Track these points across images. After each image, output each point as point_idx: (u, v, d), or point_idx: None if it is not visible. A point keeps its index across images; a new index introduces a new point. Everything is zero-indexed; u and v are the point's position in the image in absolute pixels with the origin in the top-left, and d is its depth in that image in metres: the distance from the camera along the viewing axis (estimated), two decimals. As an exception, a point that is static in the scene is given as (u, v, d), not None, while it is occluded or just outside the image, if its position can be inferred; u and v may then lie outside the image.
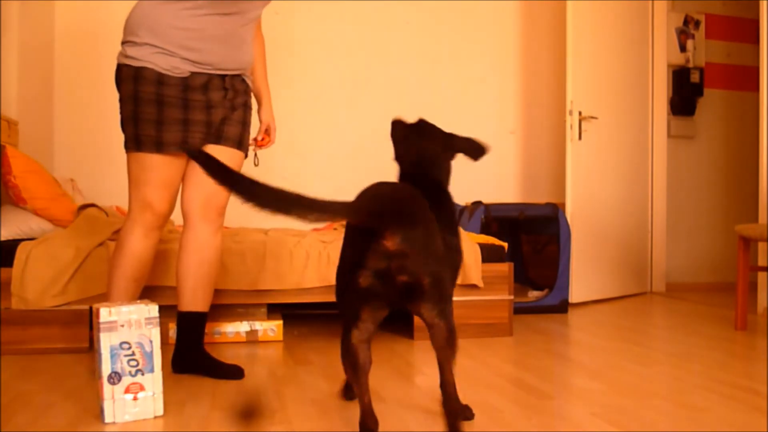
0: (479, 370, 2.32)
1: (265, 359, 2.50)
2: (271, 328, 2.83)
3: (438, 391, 2.00)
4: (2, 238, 2.70)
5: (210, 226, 2.18)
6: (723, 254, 4.92)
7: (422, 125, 1.79)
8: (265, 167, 4.10)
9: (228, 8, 2.05)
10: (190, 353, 2.20)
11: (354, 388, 1.54)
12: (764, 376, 2.24)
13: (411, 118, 1.84)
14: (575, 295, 3.90)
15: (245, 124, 2.21)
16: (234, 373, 2.17)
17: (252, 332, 2.81)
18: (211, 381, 2.14)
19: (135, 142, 2.05)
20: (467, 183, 4.39)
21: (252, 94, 2.30)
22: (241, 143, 2.20)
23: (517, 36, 4.53)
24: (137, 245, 2.11)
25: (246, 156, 2.26)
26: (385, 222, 1.36)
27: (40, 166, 2.96)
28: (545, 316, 3.55)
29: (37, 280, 2.53)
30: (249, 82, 2.25)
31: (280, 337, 2.84)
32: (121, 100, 2.08)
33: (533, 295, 3.83)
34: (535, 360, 2.50)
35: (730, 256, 4.83)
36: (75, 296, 2.56)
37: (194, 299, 2.18)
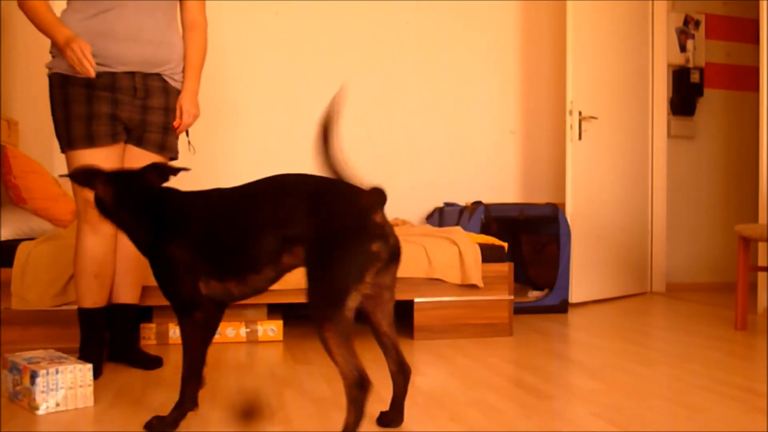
0: (479, 370, 2.32)
1: (265, 359, 2.50)
2: (271, 328, 2.83)
3: (439, 391, 2.00)
4: (2, 238, 2.70)
5: None
6: (723, 254, 4.92)
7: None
8: (268, 168, 4.11)
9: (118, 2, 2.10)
10: (118, 342, 2.34)
11: (347, 356, 1.49)
12: (764, 376, 2.24)
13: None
14: (575, 295, 3.90)
15: (166, 128, 2.24)
16: (153, 363, 2.29)
17: (252, 332, 2.81)
18: (211, 381, 2.14)
19: (59, 142, 2.15)
20: (467, 183, 4.39)
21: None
22: (163, 147, 2.25)
23: (517, 36, 4.53)
24: (88, 242, 2.17)
25: (174, 158, 2.31)
26: (380, 201, 1.56)
27: (40, 166, 2.97)
28: (545, 316, 3.55)
29: (37, 280, 2.53)
30: (173, 81, 2.25)
31: (280, 337, 2.84)
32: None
33: (533, 295, 3.83)
34: (535, 360, 2.50)
35: (730, 256, 4.83)
36: (75, 296, 2.55)
37: (119, 292, 2.30)
